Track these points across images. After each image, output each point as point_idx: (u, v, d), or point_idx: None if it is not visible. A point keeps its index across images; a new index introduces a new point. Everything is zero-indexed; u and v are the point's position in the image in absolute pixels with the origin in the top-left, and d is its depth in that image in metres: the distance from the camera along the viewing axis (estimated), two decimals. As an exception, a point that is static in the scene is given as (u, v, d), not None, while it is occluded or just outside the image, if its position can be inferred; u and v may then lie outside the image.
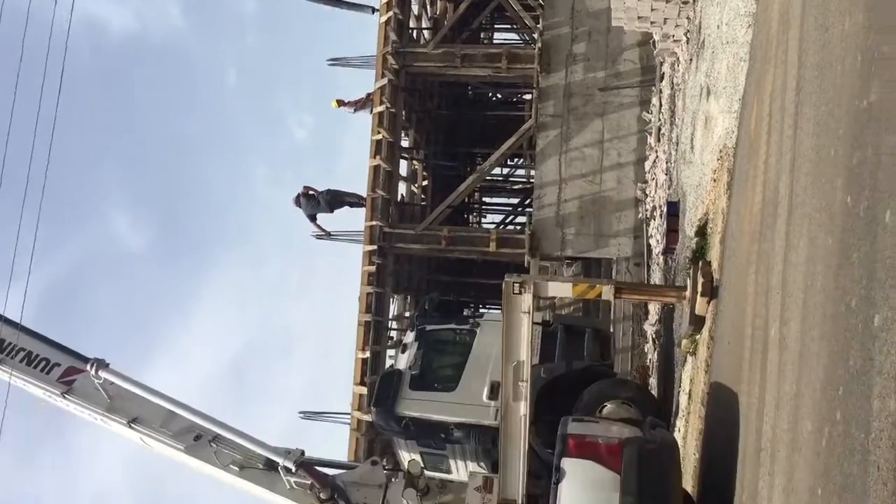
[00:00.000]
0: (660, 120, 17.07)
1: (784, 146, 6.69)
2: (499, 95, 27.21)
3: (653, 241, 16.91)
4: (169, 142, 62.81)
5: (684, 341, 11.24)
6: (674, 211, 14.09)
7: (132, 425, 12.59)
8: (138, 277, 61.49)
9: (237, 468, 12.52)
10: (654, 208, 16.89)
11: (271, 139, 69.57)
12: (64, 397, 12.75)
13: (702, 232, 11.36)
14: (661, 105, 17.10)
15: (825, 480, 4.52)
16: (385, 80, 19.65)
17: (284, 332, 70.91)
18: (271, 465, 12.46)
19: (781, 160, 6.73)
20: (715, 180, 10.94)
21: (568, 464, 7.56)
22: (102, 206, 60.92)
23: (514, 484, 11.45)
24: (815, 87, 5.85)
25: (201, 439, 12.53)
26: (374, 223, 19.42)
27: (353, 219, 20.85)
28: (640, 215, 18.12)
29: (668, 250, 14.30)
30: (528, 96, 22.93)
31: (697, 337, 10.71)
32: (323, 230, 20.97)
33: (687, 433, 10.92)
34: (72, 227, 57.63)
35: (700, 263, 10.43)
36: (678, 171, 14.43)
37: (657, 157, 17.05)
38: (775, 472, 5.74)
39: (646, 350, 16.90)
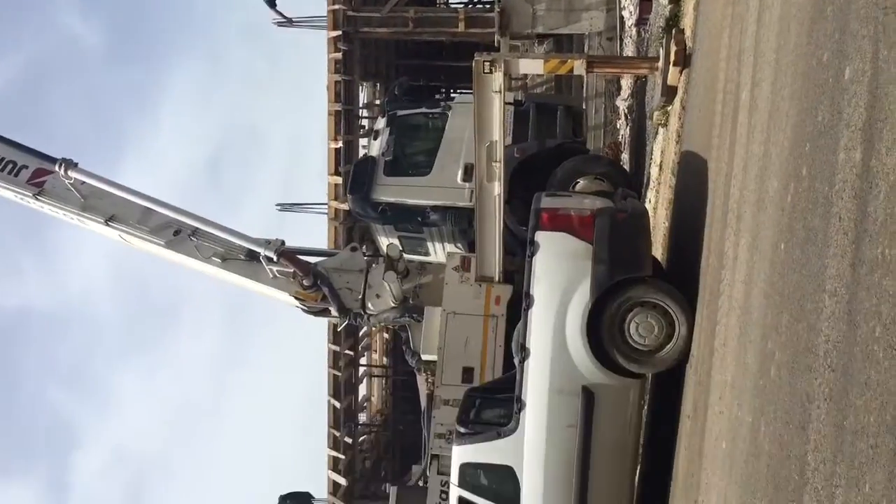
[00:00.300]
0: None
1: None
2: None
3: (626, 13, 16.43)
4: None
5: (656, 113, 11.22)
6: (647, -21, 13.57)
7: (109, 223, 12.64)
8: (97, 76, 59.63)
9: (219, 260, 12.76)
10: (626, -22, 16.24)
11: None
12: (37, 199, 12.69)
13: (675, -1, 11.02)
14: None
15: (788, 235, 4.67)
16: None
17: (254, 127, 70.08)
18: (252, 256, 12.69)
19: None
20: (690, -58, 10.45)
21: (542, 237, 7.74)
22: (50, 3, 57.79)
23: (490, 261, 11.85)
24: None
25: (181, 234, 12.66)
26: (336, 7, 18.61)
27: (315, 3, 19.96)
28: (613, -14, 17.46)
29: (642, 21, 13.94)
30: None
31: (669, 108, 10.68)
32: (283, 16, 20.10)
33: (657, 203, 11.17)
34: (22, 28, 54.99)
35: (673, 32, 10.20)
36: (652, -65, 13.73)
37: (630, -79, 16.16)
38: (741, 231, 5.93)
39: (618, 126, 16.90)
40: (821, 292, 3.98)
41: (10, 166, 12.66)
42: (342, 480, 22.83)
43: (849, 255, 3.71)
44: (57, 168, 12.34)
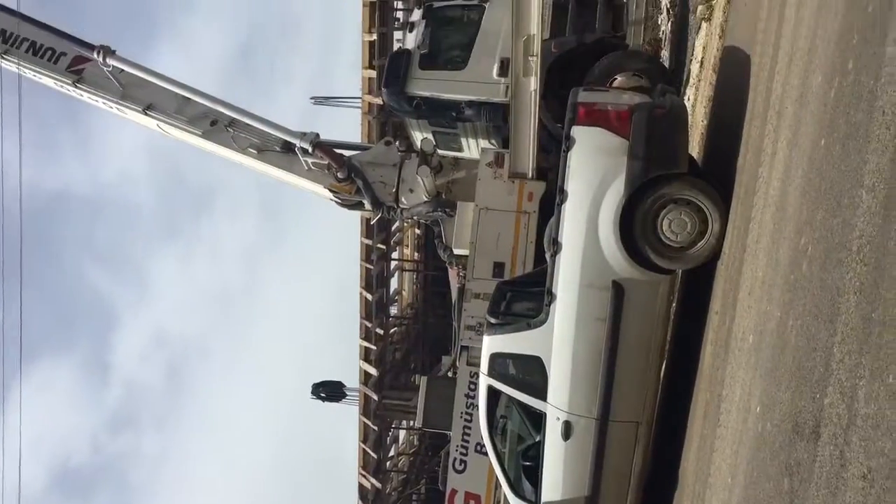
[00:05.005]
0: None
1: None
2: None
3: None
4: None
5: (700, 7, 10.91)
6: None
7: (147, 112, 12.75)
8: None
9: (255, 151, 12.88)
10: None
11: None
12: (76, 86, 12.79)
13: None
14: None
15: (830, 130, 4.63)
16: None
17: (288, 15, 68.94)
18: (288, 148, 12.79)
19: None
20: None
21: (577, 131, 7.69)
22: None
23: (524, 157, 11.81)
24: None
25: (217, 124, 12.76)
26: None
27: None
28: None
29: None
30: None
31: (714, 1, 10.37)
32: None
33: (696, 101, 10.99)
34: None
35: (722, -79, 9.81)
36: None
37: None
38: (781, 127, 5.86)
39: (659, 22, 16.43)
40: (858, 187, 3.99)
41: (49, 53, 12.72)
42: (373, 371, 23.50)
43: (890, 149, 3.69)
44: (95, 55, 12.37)
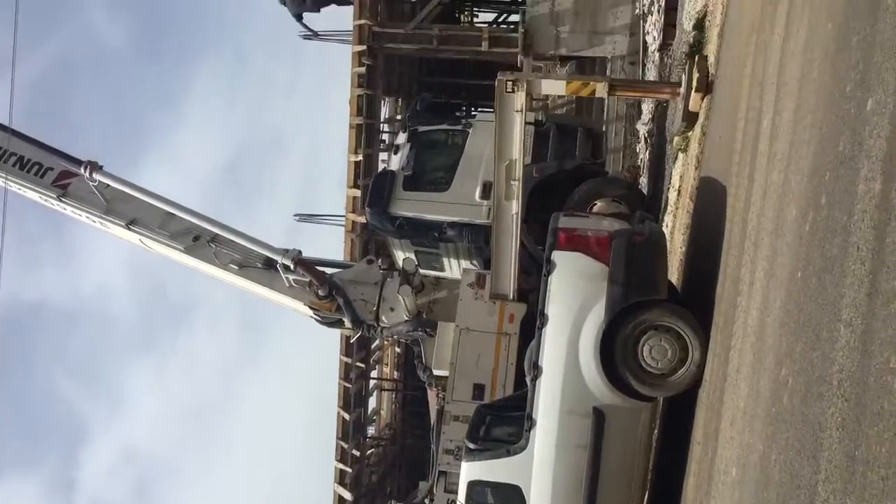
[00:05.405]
0: None
1: (790, -72, 6.38)
2: None
3: (649, 38, 16.47)
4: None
5: (676, 138, 11.25)
6: (672, 4, 13.63)
7: (131, 227, 12.78)
8: (123, 76, 60.30)
9: (236, 267, 12.87)
10: (651, 3, 16.30)
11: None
12: (60, 201, 12.85)
13: (700, 26, 11.06)
14: None
15: (806, 263, 4.68)
16: None
17: (276, 134, 70.64)
18: (270, 264, 12.79)
19: (787, -57, 6.44)
20: (716, -30, 10.51)
21: (558, 256, 7.77)
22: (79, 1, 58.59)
23: (505, 279, 11.86)
24: None
25: (200, 239, 12.78)
26: (362, 22, 18.79)
27: (342, 18, 20.16)
28: (637, 11, 17.52)
29: (665, 46, 13.98)
30: None
31: (690, 133, 10.70)
32: (310, 30, 20.32)
33: (675, 227, 11.17)
34: (50, 24, 55.66)
35: (696, 58, 10.23)
36: (678, -38, 13.81)
37: (657, -53, 16.24)
38: (758, 258, 5.93)
39: (637, 150, 16.92)
40: (836, 321, 3.99)
41: (35, 168, 12.83)
42: (348, 495, 22.78)
43: (865, 285, 3.72)
44: (82, 170, 12.49)
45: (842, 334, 3.89)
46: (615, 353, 7.50)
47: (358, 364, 22.02)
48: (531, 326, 8.29)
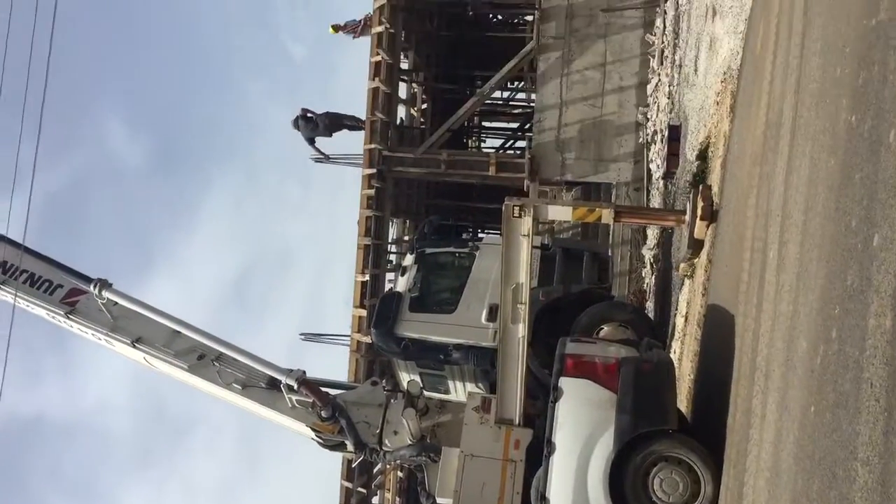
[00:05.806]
0: (663, 42, 16.80)
1: (789, 67, 6.62)
2: (500, 16, 26.68)
3: (653, 166, 16.84)
4: (166, 60, 62.03)
5: (682, 265, 11.31)
6: (675, 135, 13.99)
7: (136, 345, 12.71)
8: (137, 194, 61.48)
9: (240, 387, 12.71)
10: (655, 132, 16.76)
11: (269, 60, 68.64)
12: (68, 318, 12.84)
13: (703, 156, 11.32)
14: (664, 27, 16.80)
15: (818, 398, 4.61)
16: (384, 0, 19.26)
17: (284, 254, 71.26)
18: (273, 384, 12.64)
19: (786, 81, 6.66)
20: (718, 103, 10.84)
21: (565, 383, 7.69)
22: (99, 121, 60.44)
23: (511, 404, 11.67)
24: (823, 6, 5.75)
25: (204, 358, 12.68)
26: (373, 146, 19.29)
27: (353, 142, 20.72)
28: (641, 140, 18.00)
29: (669, 175, 14.26)
30: (529, 17, 22.49)
31: (695, 261, 10.77)
32: (321, 153, 20.84)
33: (682, 354, 11.08)
34: (69, 143, 57.25)
35: (700, 187, 10.41)
36: (681, 95, 14.28)
37: (660, 80, 16.84)
38: (769, 390, 5.85)
39: (643, 274, 17.00)
40: (853, 460, 3.90)
41: (45, 284, 12.89)
42: None
43: (881, 422, 3.65)
44: (92, 288, 12.54)
45: (859, 474, 3.79)
46: (625, 484, 7.29)
47: (359, 489, 21.45)
48: (537, 453, 8.11)
